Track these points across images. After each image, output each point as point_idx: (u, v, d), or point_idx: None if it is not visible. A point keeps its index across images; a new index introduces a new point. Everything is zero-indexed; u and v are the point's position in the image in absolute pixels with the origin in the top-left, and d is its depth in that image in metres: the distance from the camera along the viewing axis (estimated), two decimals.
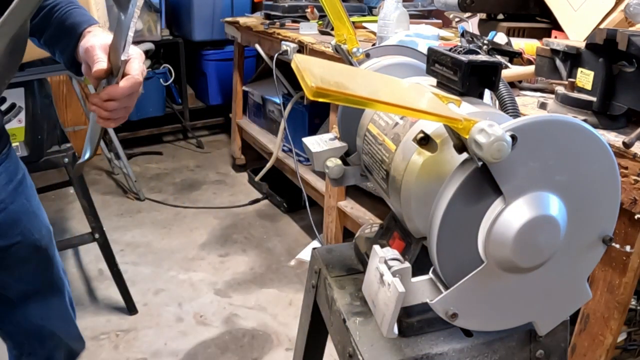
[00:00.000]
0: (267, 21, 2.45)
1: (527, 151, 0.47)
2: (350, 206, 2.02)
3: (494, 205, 0.49)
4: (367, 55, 0.81)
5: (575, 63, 1.01)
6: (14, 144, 1.06)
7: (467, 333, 0.65)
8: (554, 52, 1.07)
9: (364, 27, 2.12)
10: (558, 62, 1.06)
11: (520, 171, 0.48)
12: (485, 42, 1.34)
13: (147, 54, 3.20)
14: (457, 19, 1.86)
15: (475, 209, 0.49)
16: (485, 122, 0.42)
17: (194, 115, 3.61)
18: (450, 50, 0.64)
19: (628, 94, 0.91)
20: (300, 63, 0.39)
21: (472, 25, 1.74)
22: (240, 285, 2.11)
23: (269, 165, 2.69)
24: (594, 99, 0.95)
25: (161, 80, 3.29)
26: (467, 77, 0.59)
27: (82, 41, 0.78)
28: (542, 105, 1.06)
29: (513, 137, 0.42)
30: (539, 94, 1.19)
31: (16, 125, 1.58)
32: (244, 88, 3.02)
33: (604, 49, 0.92)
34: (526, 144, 0.46)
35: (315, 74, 0.37)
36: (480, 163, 0.46)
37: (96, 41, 0.75)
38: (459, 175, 0.48)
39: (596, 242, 0.55)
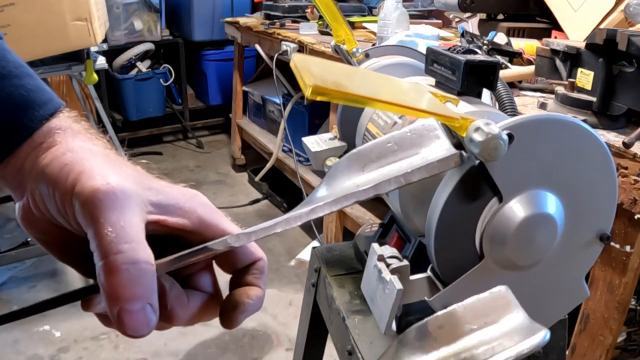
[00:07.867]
0: (267, 21, 2.46)
1: (524, 150, 0.47)
2: (350, 206, 2.02)
3: (491, 203, 0.49)
4: (367, 55, 0.81)
5: (575, 63, 1.01)
6: None
7: None
8: (554, 52, 1.07)
9: (364, 27, 2.12)
10: (558, 62, 1.06)
11: (517, 169, 0.48)
12: (485, 42, 1.35)
13: (147, 54, 3.21)
14: (457, 19, 1.86)
15: (472, 207, 0.49)
16: (482, 120, 0.42)
17: (194, 115, 3.61)
18: (448, 50, 0.64)
19: (628, 94, 0.91)
20: (299, 62, 0.39)
21: (472, 25, 1.74)
22: None
23: (269, 165, 2.69)
24: (594, 99, 0.95)
25: (161, 80, 3.29)
26: (465, 76, 0.59)
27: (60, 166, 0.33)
28: (542, 106, 1.06)
29: (510, 136, 0.42)
30: (539, 94, 1.19)
31: None
32: (244, 88, 3.02)
33: (604, 49, 0.92)
34: (523, 142, 0.46)
35: (313, 72, 0.37)
36: (477, 162, 0.46)
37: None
38: (456, 174, 0.48)
39: (593, 241, 0.55)
